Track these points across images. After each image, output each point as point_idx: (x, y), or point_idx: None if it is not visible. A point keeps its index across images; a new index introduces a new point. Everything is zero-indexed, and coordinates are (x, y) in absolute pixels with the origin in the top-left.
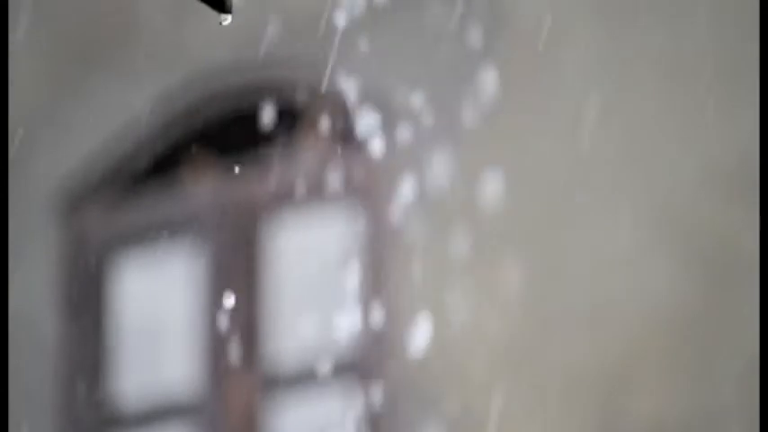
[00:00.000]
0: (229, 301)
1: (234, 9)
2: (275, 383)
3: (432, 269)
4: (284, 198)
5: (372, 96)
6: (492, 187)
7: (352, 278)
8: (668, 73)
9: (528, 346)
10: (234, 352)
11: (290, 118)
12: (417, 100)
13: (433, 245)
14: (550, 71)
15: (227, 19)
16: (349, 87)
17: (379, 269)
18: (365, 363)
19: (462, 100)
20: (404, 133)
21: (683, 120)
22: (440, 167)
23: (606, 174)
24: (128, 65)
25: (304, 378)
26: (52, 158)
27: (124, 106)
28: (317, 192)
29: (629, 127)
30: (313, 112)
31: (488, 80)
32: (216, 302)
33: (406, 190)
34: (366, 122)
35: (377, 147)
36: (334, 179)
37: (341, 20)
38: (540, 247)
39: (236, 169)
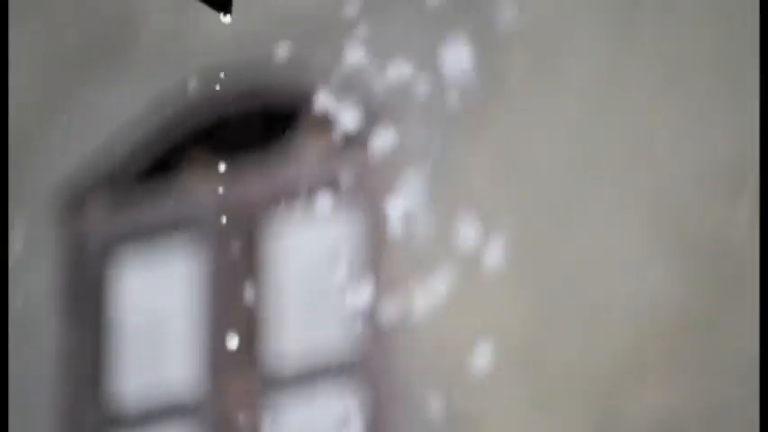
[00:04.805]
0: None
1: (234, 10)
2: (275, 383)
3: (431, 269)
4: (284, 198)
5: (372, 97)
6: (491, 188)
7: (352, 278)
8: (668, 73)
9: (528, 346)
10: (234, 352)
11: (290, 118)
12: (416, 100)
13: (432, 245)
14: (551, 71)
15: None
16: (349, 88)
17: (379, 269)
18: (365, 363)
19: (462, 100)
20: (403, 133)
21: (684, 120)
22: (439, 167)
23: (606, 174)
24: (128, 65)
25: (304, 378)
26: (52, 158)
27: (124, 106)
28: (317, 192)
29: (629, 127)
30: (313, 112)
31: (488, 80)
32: (216, 302)
33: (405, 190)
34: (365, 122)
35: (376, 146)
36: (334, 179)
37: (341, 21)
38: (540, 247)
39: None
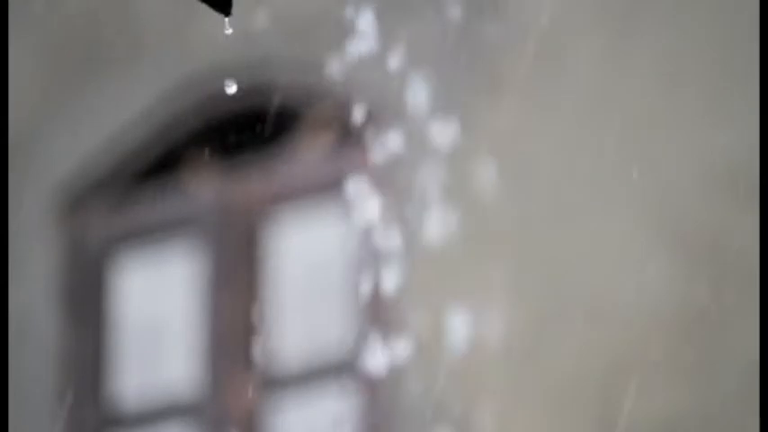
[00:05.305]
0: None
1: (233, 10)
2: (275, 383)
3: (431, 269)
4: (284, 198)
5: (371, 97)
6: (491, 187)
7: (352, 278)
8: (668, 73)
9: (527, 347)
10: (234, 352)
11: (290, 118)
12: (416, 100)
13: (432, 244)
14: (551, 71)
15: (229, 30)
16: (349, 88)
17: (379, 269)
18: (364, 363)
19: (461, 99)
20: (403, 133)
21: (683, 120)
22: (439, 167)
23: (606, 173)
24: (128, 65)
25: (304, 378)
26: (52, 159)
27: (124, 106)
28: (317, 192)
29: (629, 127)
30: (313, 112)
31: (488, 79)
32: (216, 302)
33: (405, 189)
34: (365, 122)
35: (376, 147)
36: (334, 179)
37: (341, 21)
38: (540, 247)
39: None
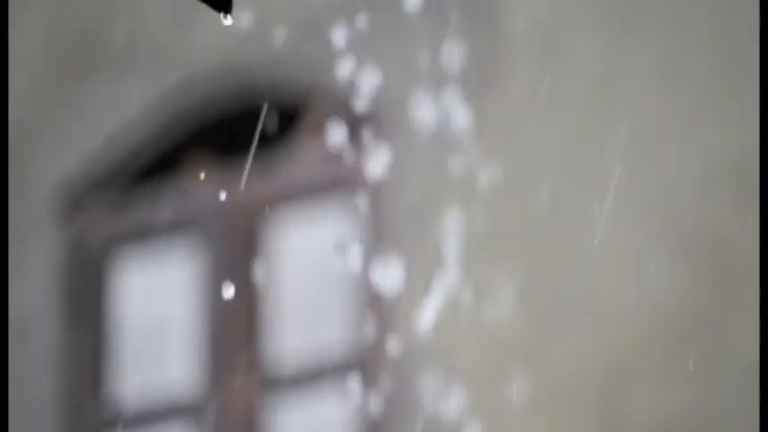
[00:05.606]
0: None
1: (234, 9)
2: (275, 384)
3: (432, 269)
4: (284, 198)
5: (371, 97)
6: (491, 187)
7: (352, 278)
8: (668, 73)
9: (528, 347)
10: (234, 352)
11: (290, 118)
12: (416, 100)
13: (433, 244)
14: (551, 72)
15: (228, 21)
16: (348, 87)
17: (378, 269)
18: (365, 363)
19: (462, 99)
20: (403, 132)
21: (684, 120)
22: (439, 166)
23: (607, 173)
24: (127, 65)
25: (304, 378)
26: (52, 158)
27: (124, 106)
28: (317, 192)
29: (629, 127)
30: (313, 112)
31: (488, 80)
32: (216, 302)
33: (404, 189)
34: (365, 122)
35: (376, 146)
36: (333, 179)
37: (341, 21)
38: (540, 248)
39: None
